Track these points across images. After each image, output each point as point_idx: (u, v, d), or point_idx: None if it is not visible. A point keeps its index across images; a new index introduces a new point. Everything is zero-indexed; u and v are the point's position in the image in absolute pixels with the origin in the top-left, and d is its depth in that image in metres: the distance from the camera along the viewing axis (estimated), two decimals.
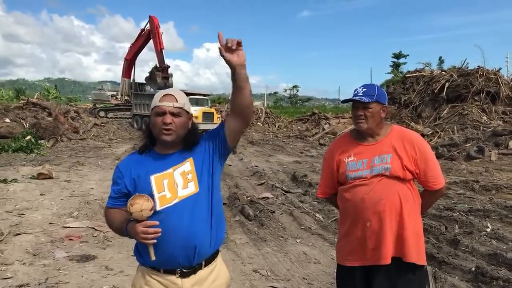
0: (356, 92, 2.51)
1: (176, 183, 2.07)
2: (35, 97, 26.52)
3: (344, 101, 2.72)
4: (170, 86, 27.51)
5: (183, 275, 2.07)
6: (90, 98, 33.64)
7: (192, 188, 2.08)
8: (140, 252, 2.12)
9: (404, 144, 2.48)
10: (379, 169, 2.45)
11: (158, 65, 28.04)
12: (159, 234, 1.94)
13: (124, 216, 2.12)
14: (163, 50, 27.80)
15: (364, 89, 2.49)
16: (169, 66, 27.95)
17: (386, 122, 2.63)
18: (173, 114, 2.06)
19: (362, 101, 2.46)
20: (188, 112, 2.14)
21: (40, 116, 19.88)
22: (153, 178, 2.08)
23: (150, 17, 28.59)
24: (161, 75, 27.40)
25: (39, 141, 15.76)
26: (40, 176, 9.80)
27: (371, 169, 2.46)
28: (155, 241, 1.95)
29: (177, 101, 2.08)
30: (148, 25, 28.78)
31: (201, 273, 2.11)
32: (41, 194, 8.27)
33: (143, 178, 2.09)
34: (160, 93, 2.13)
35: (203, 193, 2.11)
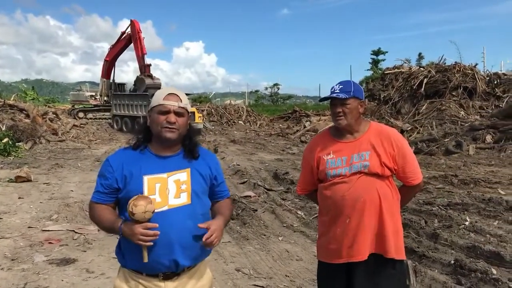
0: (333, 90, 2.53)
1: (168, 189, 2.05)
2: (12, 98, 26.03)
3: (322, 100, 2.73)
4: (158, 81, 27.33)
5: (166, 278, 2.06)
6: (69, 99, 33.11)
7: (184, 199, 2.07)
8: (124, 253, 2.09)
9: (382, 141, 2.51)
10: (358, 166, 2.47)
11: (139, 68, 27.71)
12: (157, 237, 1.92)
13: (114, 213, 2.10)
14: (145, 55, 27.53)
15: (340, 86, 2.51)
16: (150, 65, 27.64)
17: (365, 119, 2.65)
18: (176, 114, 2.06)
19: (339, 98, 2.47)
20: (189, 112, 2.16)
21: (18, 118, 19.51)
22: (146, 178, 2.04)
23: (131, 21, 28.25)
24: (145, 75, 27.11)
25: (16, 144, 15.44)
26: (18, 179, 9.62)
27: (350, 166, 2.48)
28: (151, 243, 1.92)
29: (181, 101, 2.09)
30: (129, 29, 28.47)
31: (183, 275, 2.10)
32: (20, 198, 8.12)
33: (136, 177, 2.04)
34: (163, 92, 2.11)
35: (194, 206, 2.09)
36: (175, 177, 2.08)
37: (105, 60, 30.79)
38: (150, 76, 27.30)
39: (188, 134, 2.17)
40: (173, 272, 2.05)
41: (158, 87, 26.49)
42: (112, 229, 2.03)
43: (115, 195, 2.09)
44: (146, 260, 1.96)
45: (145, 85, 26.37)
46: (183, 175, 2.10)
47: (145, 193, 2.00)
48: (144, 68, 27.31)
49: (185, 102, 2.12)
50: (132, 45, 28.53)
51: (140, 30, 27.83)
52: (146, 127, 2.15)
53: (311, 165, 2.65)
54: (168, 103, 2.06)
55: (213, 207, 2.29)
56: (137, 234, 1.89)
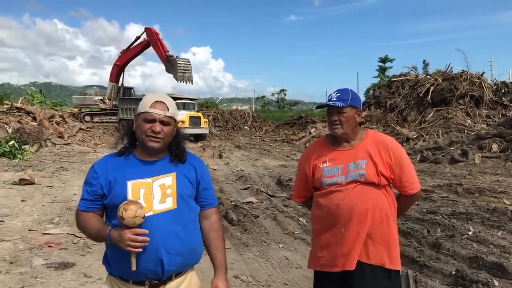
0: (330, 97, 2.50)
1: (153, 194, 2.02)
2: (19, 101, 26.20)
3: (318, 107, 2.71)
4: (186, 59, 27.89)
5: (152, 286, 2.03)
6: (74, 103, 33.18)
7: (170, 203, 2.04)
8: (109, 261, 2.07)
9: (379, 150, 2.47)
10: (354, 175, 2.44)
11: (165, 64, 28.06)
12: (147, 243, 1.89)
13: (101, 221, 2.06)
14: (167, 53, 27.97)
15: (337, 94, 2.48)
16: (172, 55, 28.00)
17: (362, 127, 2.62)
18: (162, 123, 2.03)
19: (336, 106, 2.44)
20: (176, 121, 2.12)
21: (24, 121, 19.61)
22: (130, 183, 2.01)
23: (146, 29, 28.71)
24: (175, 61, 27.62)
25: (22, 146, 15.53)
26: (22, 181, 9.65)
27: (346, 175, 2.45)
28: (140, 250, 1.89)
29: (168, 110, 2.05)
30: (145, 36, 28.85)
31: (171, 284, 2.07)
32: (22, 200, 8.14)
33: (119, 182, 2.01)
34: (150, 99, 2.07)
35: (181, 211, 2.06)
36: (160, 181, 2.05)
37: (115, 64, 31.01)
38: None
39: (175, 140, 2.14)
40: (160, 279, 2.02)
41: (187, 61, 27.49)
42: (99, 236, 1.99)
43: (101, 202, 2.05)
44: (134, 268, 1.93)
45: (177, 62, 27.02)
46: (168, 180, 2.06)
47: (129, 198, 1.97)
48: (168, 58, 27.73)
49: (172, 111, 2.08)
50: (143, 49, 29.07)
51: (157, 33, 28.38)
52: (132, 132, 2.12)
53: (305, 173, 2.62)
54: (154, 111, 2.02)
55: (202, 224, 2.24)
56: (126, 240, 1.86)
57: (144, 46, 29.34)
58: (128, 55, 30.65)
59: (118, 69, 31.00)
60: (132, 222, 1.85)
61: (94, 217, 2.06)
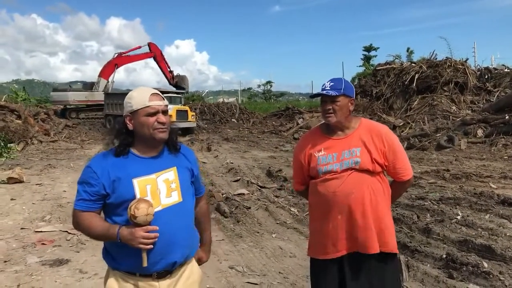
0: (323, 87, 2.54)
1: (159, 189, 2.05)
2: (3, 99, 25.81)
3: (312, 96, 2.75)
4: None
5: (159, 277, 2.06)
6: (53, 99, 32.48)
7: (176, 197, 2.09)
8: (114, 257, 2.07)
9: (372, 137, 2.52)
10: (349, 162, 2.48)
11: (167, 78, 33.53)
12: (157, 239, 1.94)
13: (103, 220, 2.06)
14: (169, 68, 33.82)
15: (331, 83, 2.52)
16: (172, 71, 34.16)
17: (355, 115, 2.66)
18: (163, 112, 2.08)
19: (329, 95, 2.48)
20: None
21: (9, 119, 19.31)
22: (136, 181, 2.01)
23: (150, 44, 32.88)
24: (177, 76, 34.10)
25: (8, 145, 15.33)
26: (10, 180, 9.55)
27: (341, 163, 2.49)
28: (152, 246, 1.94)
29: (164, 100, 2.11)
30: (148, 49, 32.66)
31: (175, 273, 2.12)
32: (12, 199, 8.06)
33: (125, 181, 2.00)
34: (146, 93, 2.07)
35: (185, 204, 2.13)
36: (163, 176, 2.08)
37: (114, 64, 32.62)
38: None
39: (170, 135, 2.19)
40: (167, 270, 2.07)
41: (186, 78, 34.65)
42: (106, 235, 1.99)
43: (102, 202, 2.04)
44: (145, 264, 1.96)
45: (187, 78, 34.65)
46: (171, 174, 2.11)
47: (137, 195, 1.98)
48: (172, 74, 33.86)
49: (167, 101, 2.17)
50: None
51: (161, 52, 33.65)
52: (126, 131, 2.10)
53: (301, 162, 2.66)
54: (155, 103, 2.05)
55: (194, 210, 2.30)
56: (138, 238, 1.89)
57: (148, 57, 33.41)
58: (129, 60, 33.60)
59: (116, 67, 33.13)
60: (144, 220, 1.89)
61: (97, 216, 2.05)
